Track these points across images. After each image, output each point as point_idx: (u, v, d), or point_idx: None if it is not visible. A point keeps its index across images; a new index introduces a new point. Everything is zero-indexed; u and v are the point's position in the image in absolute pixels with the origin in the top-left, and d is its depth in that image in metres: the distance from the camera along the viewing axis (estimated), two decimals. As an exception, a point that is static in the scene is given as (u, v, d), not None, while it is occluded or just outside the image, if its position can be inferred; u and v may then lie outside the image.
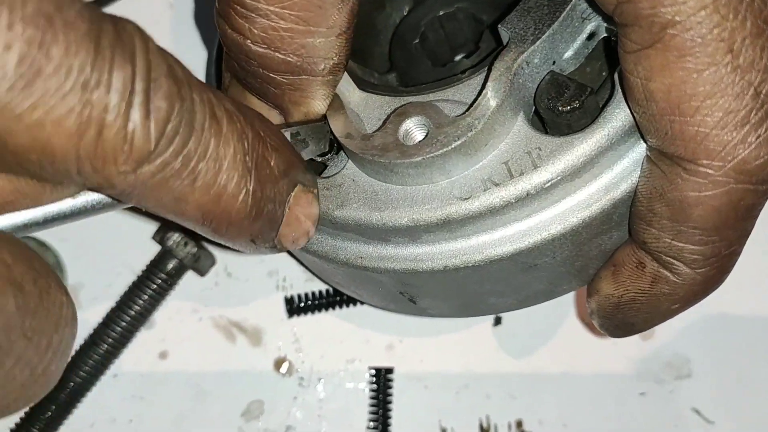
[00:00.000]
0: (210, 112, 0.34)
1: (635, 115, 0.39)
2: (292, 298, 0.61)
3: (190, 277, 0.61)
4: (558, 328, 0.62)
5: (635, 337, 0.61)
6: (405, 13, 0.56)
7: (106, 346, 0.59)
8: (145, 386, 0.60)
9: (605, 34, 0.43)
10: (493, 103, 0.40)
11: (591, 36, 0.43)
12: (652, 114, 0.37)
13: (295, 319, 0.62)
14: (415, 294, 0.48)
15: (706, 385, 0.60)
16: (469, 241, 0.43)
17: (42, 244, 0.60)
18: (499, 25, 0.41)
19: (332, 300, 0.61)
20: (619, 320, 0.46)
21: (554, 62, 0.42)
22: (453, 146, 0.40)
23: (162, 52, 0.32)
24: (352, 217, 0.43)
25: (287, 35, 0.40)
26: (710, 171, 0.37)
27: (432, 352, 0.61)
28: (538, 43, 0.41)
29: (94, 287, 0.62)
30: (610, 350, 0.61)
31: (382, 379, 0.60)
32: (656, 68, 0.36)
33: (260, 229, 0.40)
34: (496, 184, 0.41)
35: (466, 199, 0.41)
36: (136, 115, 0.30)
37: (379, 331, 0.61)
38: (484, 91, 0.40)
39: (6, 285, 0.29)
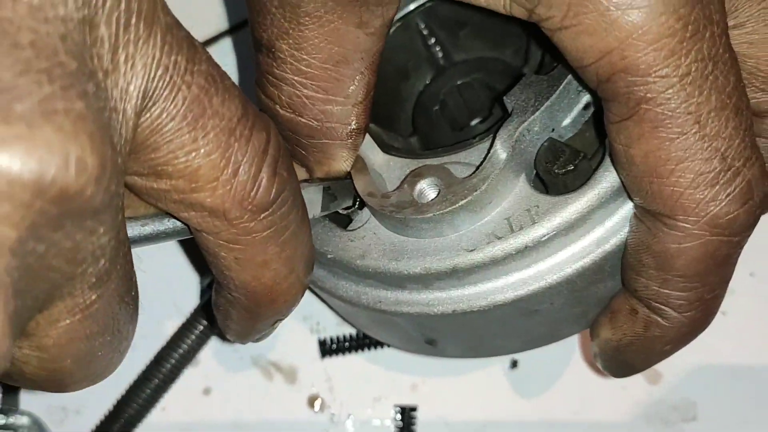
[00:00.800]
0: (302, 204, 0.42)
1: (621, 176, 0.42)
2: (325, 340, 0.64)
3: None
4: (570, 373, 0.64)
5: (643, 382, 0.64)
6: (427, 83, 0.60)
7: (156, 381, 0.62)
8: (190, 419, 0.63)
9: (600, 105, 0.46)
10: (496, 166, 0.44)
11: (587, 106, 0.46)
12: (634, 176, 0.41)
13: (328, 359, 0.64)
14: (430, 336, 0.51)
15: (711, 428, 0.63)
16: (475, 288, 0.46)
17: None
18: (504, 97, 0.46)
19: (361, 342, 0.64)
20: (620, 362, 0.48)
21: (553, 129, 0.46)
22: (460, 204, 0.44)
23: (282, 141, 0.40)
24: (372, 266, 0.47)
25: (309, 102, 0.45)
26: (687, 225, 0.40)
27: (453, 392, 0.64)
28: (537, 113, 0.45)
29: (146, 327, 0.60)
30: (619, 394, 0.64)
31: (406, 416, 0.63)
32: (634, 137, 0.40)
33: (287, 314, 0.47)
34: (499, 238, 0.45)
35: (471, 250, 0.45)
36: (266, 171, 0.37)
37: (404, 372, 0.64)
38: (489, 156, 0.45)
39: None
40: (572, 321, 0.49)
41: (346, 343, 0.64)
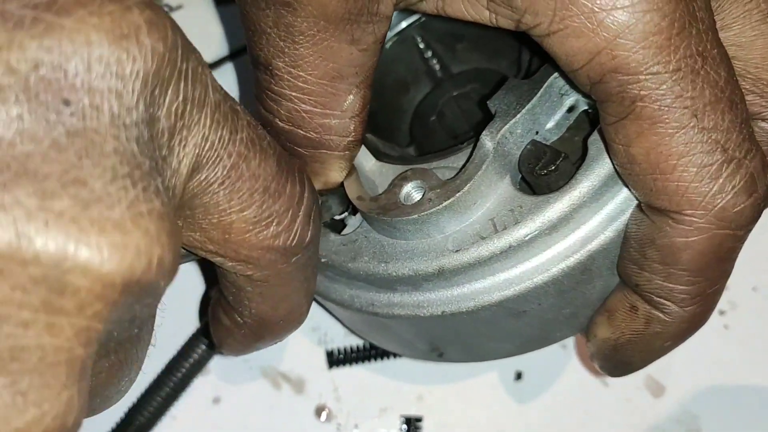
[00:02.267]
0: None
1: (622, 176, 0.43)
2: (332, 351, 0.65)
3: None
4: (574, 386, 0.65)
5: (647, 396, 0.64)
6: (425, 94, 0.61)
7: (167, 389, 0.62)
8: (199, 428, 0.64)
9: (584, 108, 0.47)
10: (478, 167, 0.45)
11: (571, 109, 0.47)
12: (637, 174, 0.41)
13: (335, 370, 0.65)
14: (424, 339, 0.52)
15: (714, 441, 0.63)
16: (462, 289, 0.47)
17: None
18: (488, 101, 0.46)
19: (368, 353, 0.64)
20: (617, 361, 0.49)
21: (537, 132, 0.47)
22: (443, 205, 0.45)
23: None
24: (363, 269, 0.48)
25: (307, 116, 0.46)
26: (695, 219, 0.40)
27: (458, 403, 0.64)
28: (518, 116, 0.45)
29: (158, 337, 0.63)
30: (623, 407, 0.64)
31: (412, 427, 0.63)
32: (633, 135, 0.40)
33: (289, 334, 0.49)
34: (483, 238, 0.45)
35: (457, 251, 0.46)
36: (301, 221, 0.41)
37: (410, 383, 0.65)
38: (471, 158, 0.46)
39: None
40: (563, 323, 0.49)
41: (353, 354, 0.65)
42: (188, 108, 0.34)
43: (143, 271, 0.29)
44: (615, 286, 0.47)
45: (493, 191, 0.46)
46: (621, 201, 0.44)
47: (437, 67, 0.61)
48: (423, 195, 0.47)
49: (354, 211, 0.51)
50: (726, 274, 0.44)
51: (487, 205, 0.46)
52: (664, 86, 0.38)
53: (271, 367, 0.65)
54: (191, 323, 0.66)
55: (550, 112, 0.47)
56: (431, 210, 0.45)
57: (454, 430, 0.64)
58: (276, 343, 0.50)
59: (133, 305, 0.30)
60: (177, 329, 0.66)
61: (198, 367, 0.64)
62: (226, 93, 0.37)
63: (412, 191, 0.48)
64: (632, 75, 0.39)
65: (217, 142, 0.36)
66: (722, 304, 0.66)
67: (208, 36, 0.75)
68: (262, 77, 0.46)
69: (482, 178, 0.45)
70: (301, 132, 0.47)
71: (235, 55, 0.74)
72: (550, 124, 0.47)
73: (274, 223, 0.39)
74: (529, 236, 0.44)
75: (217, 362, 0.65)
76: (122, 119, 0.30)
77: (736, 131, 0.40)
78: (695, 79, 0.39)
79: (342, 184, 0.50)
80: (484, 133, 0.46)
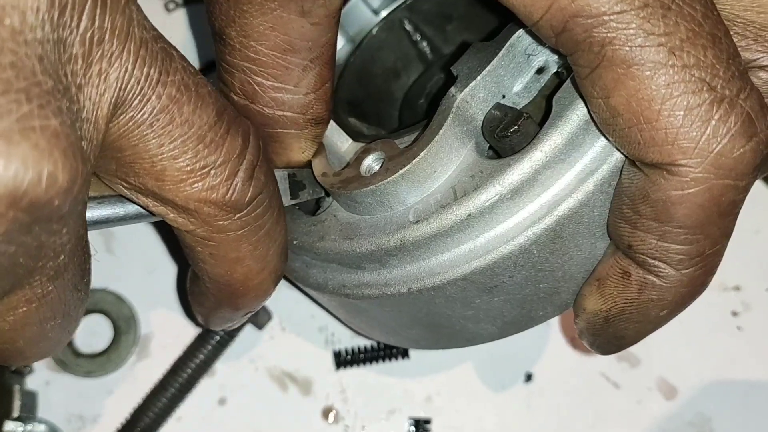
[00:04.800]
0: (278, 205, 0.43)
1: (607, 133, 0.39)
2: (339, 351, 0.65)
3: (248, 330, 0.65)
4: (584, 388, 0.64)
5: (659, 398, 0.64)
6: (416, 78, 0.59)
7: (173, 390, 0.62)
8: (205, 429, 0.64)
9: (555, 69, 0.44)
10: (435, 133, 0.43)
11: (541, 70, 0.44)
12: (621, 128, 0.38)
13: (342, 371, 0.65)
14: (398, 322, 0.50)
15: (727, 444, 0.62)
16: (427, 263, 0.44)
17: (119, 298, 0.65)
18: (452, 67, 0.44)
19: (376, 354, 0.64)
20: (609, 335, 0.45)
21: (504, 96, 0.44)
22: (400, 173, 0.43)
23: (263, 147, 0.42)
24: (330, 248, 0.47)
25: (259, 89, 0.45)
26: (690, 168, 0.37)
27: (467, 404, 0.64)
28: (478, 78, 0.43)
29: (164, 337, 0.65)
30: (634, 409, 0.64)
31: (420, 428, 0.63)
32: (610, 84, 0.37)
33: (256, 307, 0.49)
34: (443, 206, 0.43)
35: (417, 221, 0.44)
36: (241, 175, 0.40)
37: (418, 384, 0.64)
38: (429, 124, 0.44)
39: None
40: (544, 300, 0.46)
41: (361, 355, 0.64)
42: (107, 37, 0.34)
43: (31, 185, 0.29)
44: (600, 256, 0.44)
45: (455, 158, 0.44)
46: (591, 160, 0.41)
47: (427, 50, 0.59)
48: (381, 165, 0.45)
49: (327, 192, 0.49)
50: (728, 232, 0.40)
51: (448, 173, 0.44)
52: (633, 24, 0.36)
53: (278, 368, 0.65)
54: (196, 324, 0.65)
55: (516, 74, 0.44)
56: (387, 179, 0.44)
57: (462, 432, 0.64)
58: (247, 314, 0.50)
59: (31, 225, 0.30)
60: (182, 329, 0.66)
61: (204, 367, 0.64)
62: (160, 35, 0.37)
63: (372, 163, 0.46)
64: (596, 17, 0.36)
65: (143, 80, 0.36)
66: (735, 305, 0.66)
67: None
68: (218, 48, 0.46)
69: (441, 144, 0.43)
70: (255, 107, 0.46)
71: (205, 70, 0.73)
72: (517, 87, 0.44)
73: (210, 175, 0.39)
74: (490, 201, 0.42)
75: (223, 363, 0.65)
76: (23, 36, 0.30)
77: (722, 67, 0.36)
78: (666, 14, 0.36)
79: (310, 163, 0.49)
80: (443, 98, 0.43)
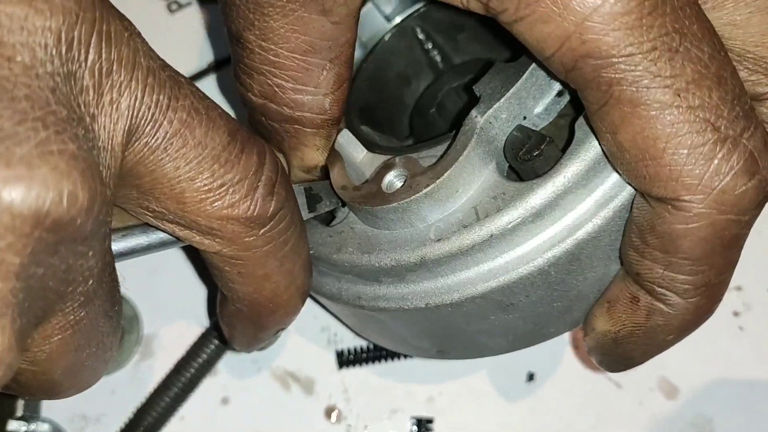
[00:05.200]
0: (300, 220, 0.44)
1: (615, 165, 0.41)
2: (342, 351, 0.65)
3: None
4: (586, 388, 0.64)
5: (660, 397, 0.64)
6: (426, 86, 0.60)
7: (176, 390, 0.62)
8: (208, 429, 0.64)
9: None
10: (459, 153, 0.44)
11: (561, 93, 0.45)
12: (629, 163, 0.39)
13: (345, 370, 0.65)
14: (413, 333, 0.51)
15: (728, 444, 0.62)
16: (446, 281, 0.45)
17: (122, 298, 0.66)
18: (474, 86, 0.45)
19: (379, 354, 0.64)
20: (617, 355, 0.47)
21: (525, 117, 0.45)
22: (424, 192, 0.44)
23: (282, 164, 0.43)
24: (347, 260, 0.48)
25: (279, 91, 0.46)
26: (693, 204, 0.38)
27: (469, 404, 0.64)
28: (502, 99, 0.43)
29: (167, 337, 0.66)
30: (636, 410, 0.64)
31: (423, 428, 0.63)
32: (617, 122, 0.38)
33: (288, 323, 0.50)
34: (465, 226, 0.44)
35: (439, 240, 0.44)
36: (261, 191, 0.41)
37: (421, 384, 0.64)
38: (453, 144, 0.44)
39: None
40: (556, 318, 0.47)
41: (364, 355, 0.64)
42: (114, 68, 0.35)
43: (53, 205, 0.30)
44: (613, 277, 0.45)
45: (476, 178, 0.44)
46: (610, 186, 0.42)
47: (438, 58, 0.59)
48: (404, 183, 0.46)
49: (343, 203, 0.50)
50: (732, 263, 0.41)
51: (470, 193, 0.44)
52: (640, 67, 0.37)
53: (281, 368, 0.65)
54: (199, 323, 0.66)
55: (538, 96, 0.45)
56: (411, 198, 0.44)
57: (465, 432, 0.64)
58: (276, 332, 0.51)
59: (56, 246, 0.31)
60: (185, 329, 0.66)
61: (207, 367, 0.64)
62: (167, 65, 0.39)
63: (394, 179, 0.47)
64: (605, 59, 0.37)
65: (153, 106, 0.37)
66: (737, 305, 0.66)
67: (189, 46, 0.74)
68: (235, 50, 0.46)
69: (464, 164, 0.44)
70: (273, 106, 0.47)
71: (219, 65, 0.74)
72: (538, 109, 0.45)
73: (229, 192, 0.40)
74: (512, 224, 0.43)
75: (226, 362, 0.65)
76: (35, 70, 0.31)
77: (727, 108, 0.37)
78: (674, 57, 0.37)
79: (329, 175, 0.49)
80: (467, 118, 0.44)
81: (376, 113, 0.57)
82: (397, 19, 0.58)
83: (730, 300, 0.67)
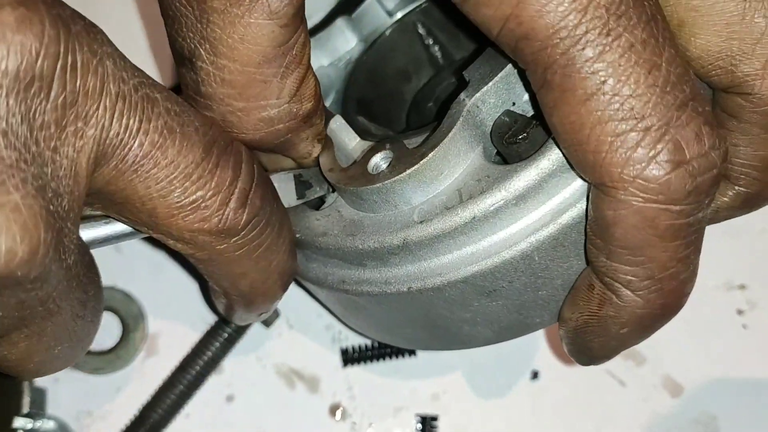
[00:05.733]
0: (279, 218, 0.45)
1: (558, 147, 0.41)
2: (347, 349, 0.65)
3: (256, 328, 0.66)
4: (590, 386, 0.65)
5: (665, 396, 0.64)
6: (426, 81, 0.59)
7: (181, 387, 0.63)
8: (213, 426, 0.64)
9: None
10: (444, 135, 0.43)
11: None
12: (564, 146, 0.40)
13: (350, 368, 0.65)
14: (394, 320, 0.50)
15: (732, 442, 0.63)
16: (429, 264, 0.45)
17: (127, 296, 0.66)
18: (464, 72, 0.45)
19: (383, 352, 0.64)
20: (579, 345, 0.46)
21: (514, 104, 0.44)
22: (408, 172, 0.44)
23: (262, 169, 0.44)
24: (332, 243, 0.47)
25: (243, 116, 0.44)
26: (618, 191, 0.38)
27: (474, 402, 0.64)
28: (490, 84, 0.43)
29: (172, 335, 0.66)
30: (640, 407, 0.64)
31: (427, 425, 0.63)
32: (550, 105, 0.39)
33: (269, 310, 0.51)
34: (448, 208, 0.43)
35: (422, 222, 0.44)
36: (234, 203, 0.41)
37: (425, 382, 0.65)
38: (439, 126, 0.44)
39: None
40: (542, 307, 0.46)
41: (368, 352, 0.65)
42: (80, 100, 0.35)
43: None
44: None
45: (462, 161, 0.44)
46: None
47: (439, 54, 0.60)
48: (389, 164, 0.46)
49: (333, 188, 0.50)
50: (679, 257, 0.40)
51: (455, 176, 0.44)
52: (572, 51, 0.37)
53: (285, 366, 0.66)
54: (204, 321, 0.66)
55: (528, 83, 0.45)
56: (395, 178, 0.44)
57: (469, 429, 0.64)
58: (261, 314, 0.52)
59: (1, 290, 0.32)
60: (190, 327, 0.66)
61: (212, 365, 0.64)
62: (143, 81, 0.38)
63: (380, 161, 0.46)
64: (540, 41, 0.37)
65: (122, 131, 0.37)
66: (741, 303, 0.66)
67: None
68: (189, 77, 0.44)
69: (449, 146, 0.44)
70: (246, 136, 0.45)
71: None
72: (527, 96, 0.45)
73: (201, 208, 0.40)
74: (495, 206, 0.42)
75: (231, 360, 0.65)
76: None
77: (655, 96, 0.37)
78: (605, 41, 0.37)
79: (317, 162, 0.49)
80: (454, 102, 0.44)
81: (373, 107, 0.57)
82: (399, 14, 0.58)
83: (733, 298, 0.67)
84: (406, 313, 0.49)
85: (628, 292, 0.41)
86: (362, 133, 0.50)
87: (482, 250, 0.44)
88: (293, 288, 0.65)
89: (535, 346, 0.66)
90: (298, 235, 0.50)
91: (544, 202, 0.42)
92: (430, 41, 0.59)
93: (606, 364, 0.64)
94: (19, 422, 0.60)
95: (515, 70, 0.44)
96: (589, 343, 0.45)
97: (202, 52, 0.42)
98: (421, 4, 0.58)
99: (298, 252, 0.52)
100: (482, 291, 0.45)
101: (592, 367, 0.64)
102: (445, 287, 0.45)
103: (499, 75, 0.44)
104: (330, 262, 0.50)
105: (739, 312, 0.67)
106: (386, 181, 0.44)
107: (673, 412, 0.64)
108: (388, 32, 0.58)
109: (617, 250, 0.40)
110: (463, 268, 0.44)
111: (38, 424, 0.61)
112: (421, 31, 0.59)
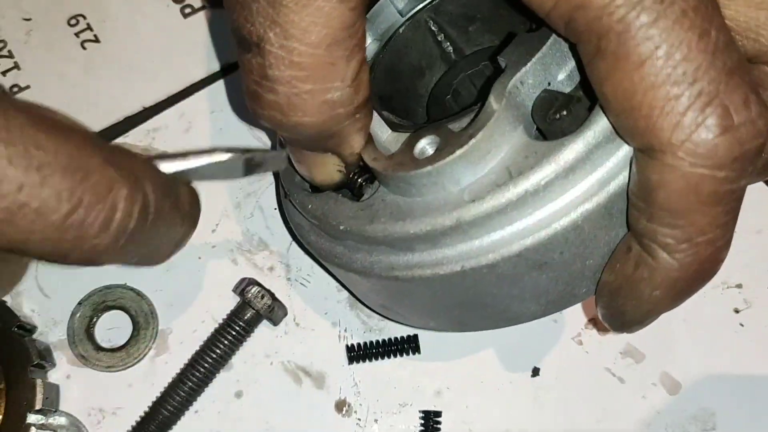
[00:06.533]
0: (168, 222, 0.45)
1: (608, 118, 0.42)
2: (352, 346, 0.66)
3: (264, 326, 0.66)
4: (591, 382, 0.65)
5: (663, 392, 0.65)
6: (440, 77, 0.61)
7: (190, 384, 0.63)
8: (222, 422, 0.65)
9: None
10: (489, 116, 0.45)
11: None
12: (614, 114, 0.41)
13: (355, 365, 0.66)
14: (447, 304, 0.51)
15: (730, 437, 0.64)
16: (481, 242, 0.46)
17: (138, 294, 0.67)
18: (498, 56, 0.46)
19: (388, 349, 0.65)
20: (613, 309, 0.47)
21: (549, 83, 0.46)
22: (457, 154, 0.45)
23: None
24: (380, 230, 0.48)
25: (308, 98, 0.44)
26: (666, 155, 0.39)
27: (477, 398, 0.65)
28: (528, 65, 0.45)
29: (182, 333, 0.67)
30: (639, 404, 0.65)
31: (431, 422, 0.64)
32: (603, 74, 0.40)
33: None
34: (499, 186, 0.44)
35: (473, 201, 0.45)
36: (107, 239, 0.40)
37: (429, 378, 0.65)
38: (483, 108, 0.45)
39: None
40: (588, 278, 0.47)
41: (373, 350, 0.66)
42: None
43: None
44: None
45: (506, 141, 0.45)
46: None
47: (450, 49, 0.61)
48: (436, 148, 0.47)
49: (371, 178, 0.50)
50: (718, 223, 0.41)
51: (501, 155, 0.45)
52: (627, 18, 0.38)
53: (293, 363, 0.66)
54: (213, 318, 0.67)
55: (561, 63, 0.46)
56: (446, 160, 0.45)
57: (472, 426, 0.65)
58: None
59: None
60: (199, 324, 0.67)
61: (221, 362, 0.65)
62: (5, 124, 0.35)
63: (426, 146, 0.47)
64: (596, 9, 0.38)
65: None
66: (738, 302, 0.67)
67: (197, 51, 0.75)
68: (255, 62, 0.43)
69: (495, 127, 0.45)
70: (310, 119, 0.45)
71: (227, 70, 0.74)
72: (562, 75, 0.46)
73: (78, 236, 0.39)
74: (545, 180, 0.44)
75: (239, 358, 0.66)
76: None
77: (707, 62, 0.38)
78: (659, 8, 0.38)
79: (282, 148, 0.50)
80: (495, 84, 0.45)
81: (393, 102, 0.57)
82: (411, 12, 0.59)
83: (731, 297, 0.68)
84: (454, 295, 0.49)
85: (665, 255, 0.42)
86: (392, 126, 0.51)
87: (534, 223, 0.45)
88: (301, 288, 0.67)
89: (536, 344, 0.67)
90: (341, 227, 0.50)
91: (591, 172, 0.44)
92: (442, 37, 0.60)
93: (605, 361, 0.66)
94: (32, 418, 0.61)
95: (551, 51, 0.45)
96: (622, 307, 0.46)
97: (272, 36, 0.42)
98: (431, 2, 0.59)
99: (340, 243, 0.52)
100: (534, 264, 0.46)
101: (591, 365, 0.66)
102: (498, 263, 0.46)
103: (536, 57, 0.45)
104: (377, 249, 0.50)
105: (736, 311, 0.68)
106: (437, 163, 0.45)
107: (672, 408, 0.64)
108: (401, 30, 0.59)
109: (658, 212, 0.41)
110: (516, 242, 0.45)
111: (50, 420, 0.62)
112: (432, 27, 0.60)
